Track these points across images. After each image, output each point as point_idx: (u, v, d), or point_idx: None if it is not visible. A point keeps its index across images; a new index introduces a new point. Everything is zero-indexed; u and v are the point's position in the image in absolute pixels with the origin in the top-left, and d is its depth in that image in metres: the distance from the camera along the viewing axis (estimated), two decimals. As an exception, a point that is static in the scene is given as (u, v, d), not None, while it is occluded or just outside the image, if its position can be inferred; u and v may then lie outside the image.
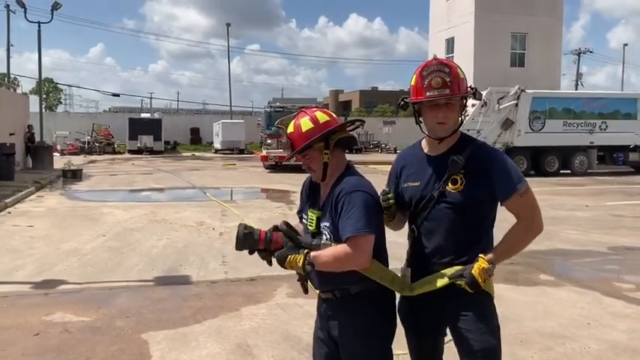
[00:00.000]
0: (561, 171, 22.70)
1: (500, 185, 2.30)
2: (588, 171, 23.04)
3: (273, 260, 2.36)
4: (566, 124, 22.63)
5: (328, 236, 2.35)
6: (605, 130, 22.96)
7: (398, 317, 2.48)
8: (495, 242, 2.40)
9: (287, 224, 2.39)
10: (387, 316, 2.41)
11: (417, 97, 2.35)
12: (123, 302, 5.67)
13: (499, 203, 2.37)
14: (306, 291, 2.40)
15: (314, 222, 2.43)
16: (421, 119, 2.43)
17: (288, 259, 2.27)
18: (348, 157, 2.51)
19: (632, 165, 24.25)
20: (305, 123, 2.38)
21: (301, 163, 2.48)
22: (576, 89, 49.68)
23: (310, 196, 2.56)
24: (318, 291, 2.50)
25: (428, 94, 2.30)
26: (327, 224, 2.36)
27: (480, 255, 2.28)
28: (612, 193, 15.93)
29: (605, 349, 4.38)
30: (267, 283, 6.19)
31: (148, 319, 5.14)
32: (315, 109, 2.46)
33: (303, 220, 2.55)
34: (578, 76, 59.11)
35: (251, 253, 2.39)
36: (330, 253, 2.26)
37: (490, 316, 2.34)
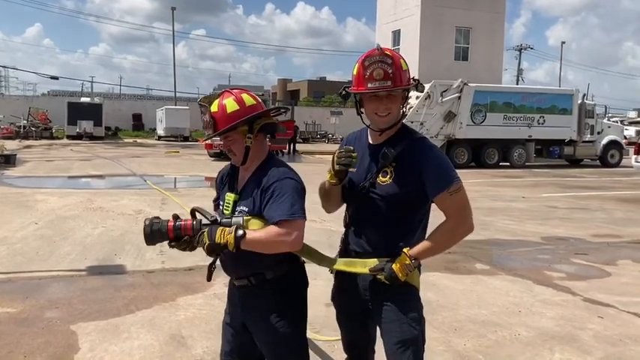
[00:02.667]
0: (501, 163, 23.42)
1: (430, 182, 2.24)
2: (526, 163, 23.92)
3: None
4: (507, 117, 23.36)
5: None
6: (542, 124, 23.82)
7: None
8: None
9: (197, 209, 2.34)
10: (300, 302, 2.41)
11: (358, 88, 2.29)
12: (52, 293, 5.45)
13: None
14: (209, 278, 2.38)
15: (230, 205, 2.38)
16: (362, 109, 2.37)
17: (218, 233, 2.15)
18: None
19: (567, 158, 25.34)
20: (230, 104, 2.30)
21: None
22: (517, 84, 51.20)
23: (228, 180, 2.51)
24: (230, 278, 2.48)
25: (369, 85, 2.24)
26: (245, 209, 2.31)
27: (404, 250, 2.24)
28: (548, 185, 16.48)
29: (534, 335, 4.52)
30: (205, 272, 6.02)
31: (78, 310, 4.95)
32: (240, 90, 2.39)
33: (220, 207, 2.48)
34: (520, 71, 61.22)
35: (171, 247, 2.28)
36: (262, 230, 2.20)
37: (412, 307, 2.31)
